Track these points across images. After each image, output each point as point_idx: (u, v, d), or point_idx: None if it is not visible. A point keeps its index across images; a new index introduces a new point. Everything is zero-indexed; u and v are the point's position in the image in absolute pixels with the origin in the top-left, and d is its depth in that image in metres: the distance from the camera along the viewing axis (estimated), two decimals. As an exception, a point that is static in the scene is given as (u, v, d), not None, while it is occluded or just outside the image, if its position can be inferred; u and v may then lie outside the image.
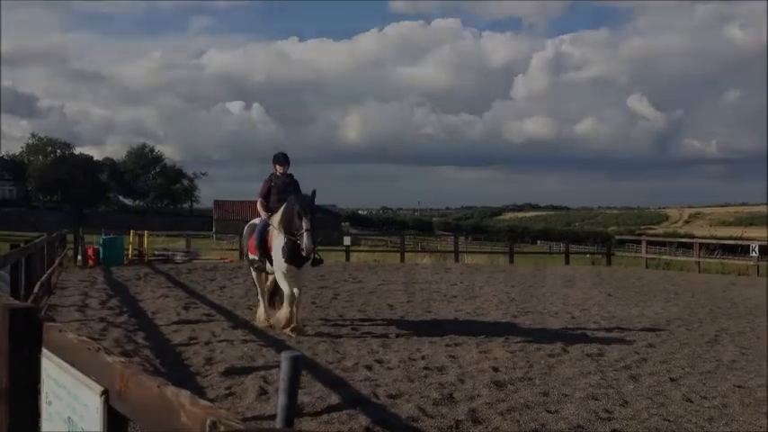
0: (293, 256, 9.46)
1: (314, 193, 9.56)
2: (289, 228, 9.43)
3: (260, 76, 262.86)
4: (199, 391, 6.16)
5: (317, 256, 10.07)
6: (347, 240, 28.33)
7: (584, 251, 39.07)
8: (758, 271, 24.05)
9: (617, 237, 47.06)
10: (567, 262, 29.02)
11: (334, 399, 6.16)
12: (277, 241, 9.68)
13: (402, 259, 26.46)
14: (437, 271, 21.73)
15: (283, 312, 9.71)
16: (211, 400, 1.70)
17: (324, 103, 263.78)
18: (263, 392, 6.32)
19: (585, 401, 6.39)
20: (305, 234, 9.13)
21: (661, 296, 16.06)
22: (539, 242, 69.41)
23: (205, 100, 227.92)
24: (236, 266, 21.40)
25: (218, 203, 79.37)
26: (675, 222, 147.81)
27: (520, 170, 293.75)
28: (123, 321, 10.38)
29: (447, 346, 8.96)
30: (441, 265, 24.88)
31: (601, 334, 10.48)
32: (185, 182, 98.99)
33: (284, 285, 9.65)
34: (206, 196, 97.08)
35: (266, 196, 10.30)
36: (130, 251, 23.34)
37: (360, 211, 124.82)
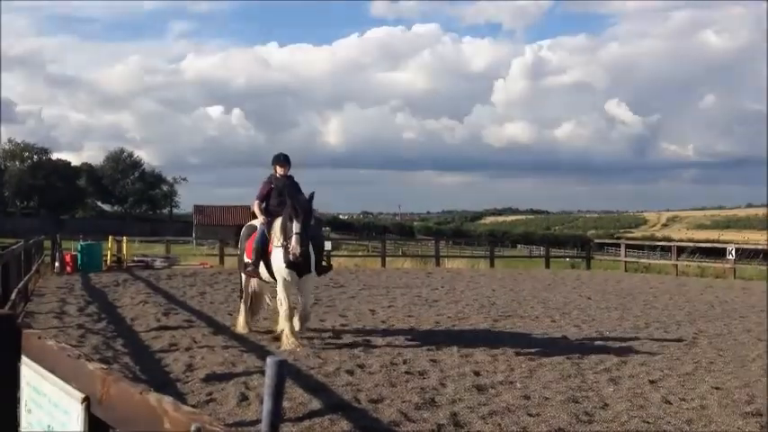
0: (294, 262, 9.02)
1: (311, 195, 9.16)
2: (285, 236, 9.00)
3: (240, 80, 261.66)
4: (179, 398, 6.11)
5: (324, 263, 9.67)
6: (328, 245, 28.23)
7: (563, 255, 39.35)
8: (735, 273, 24.35)
9: (596, 240, 47.40)
10: (548, 266, 29.19)
11: (315, 404, 6.15)
12: (277, 248, 9.31)
13: (383, 264, 26.47)
14: (418, 275, 21.76)
15: (282, 328, 9.08)
16: (193, 407, 1.69)
17: (304, 108, 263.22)
18: (244, 398, 6.29)
19: (566, 404, 6.43)
20: (294, 237, 8.67)
21: (640, 299, 16.21)
22: (519, 246, 69.67)
23: (184, 105, 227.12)
24: (216, 272, 21.28)
25: (198, 209, 78.80)
26: (654, 226, 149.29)
27: (500, 175, 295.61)
28: (102, 328, 10.28)
29: (428, 350, 8.97)
30: (422, 270, 24.93)
31: (581, 337, 10.56)
32: (165, 187, 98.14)
33: (282, 296, 9.09)
34: (186, 202, 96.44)
35: (265, 199, 9.83)
36: (109, 257, 23.13)
37: (340, 216, 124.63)
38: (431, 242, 40.37)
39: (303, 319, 9.40)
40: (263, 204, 9.82)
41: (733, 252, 25.44)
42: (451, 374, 7.55)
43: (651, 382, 7.51)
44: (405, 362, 8.13)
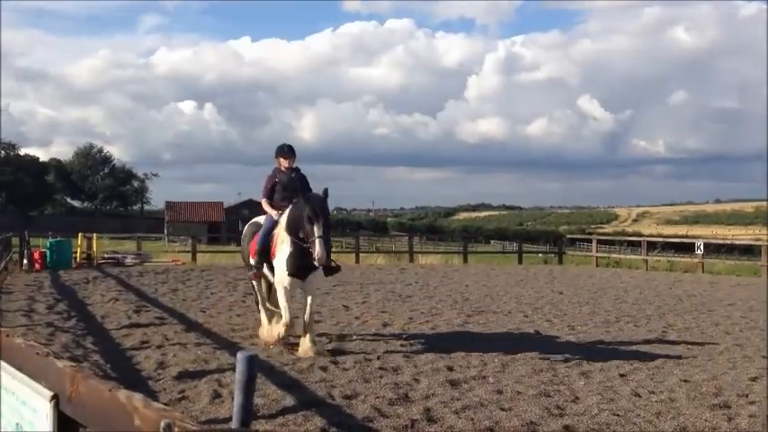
0: (299, 267, 8.33)
1: (326, 192, 8.41)
2: (296, 233, 8.26)
3: (212, 75, 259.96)
4: (151, 396, 6.05)
5: (332, 263, 8.88)
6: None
7: (536, 250, 39.63)
8: (703, 268, 24.76)
9: (568, 236, 47.89)
10: (520, 261, 29.41)
11: (289, 400, 6.13)
12: (283, 248, 8.48)
13: (357, 260, 26.45)
14: (392, 271, 21.79)
15: (275, 332, 8.72)
16: (165, 404, 1.68)
17: (277, 104, 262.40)
18: (217, 396, 6.26)
19: (538, 398, 6.49)
20: (317, 241, 7.91)
21: (611, 294, 16.41)
22: (492, 242, 70.16)
23: (156, 100, 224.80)
24: (189, 269, 21.11)
25: (169, 205, 78.09)
26: (624, 221, 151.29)
27: (474, 170, 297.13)
28: (71, 326, 10.14)
29: (402, 345, 9.00)
30: (395, 266, 24.96)
31: (553, 332, 10.67)
32: (135, 183, 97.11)
33: (282, 304, 8.49)
34: (157, 198, 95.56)
35: (271, 195, 9.12)
36: (78, 254, 22.81)
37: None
38: (404, 238, 40.42)
39: (307, 329, 8.52)
40: (270, 201, 9.17)
41: (701, 247, 25.85)
42: (425, 370, 7.58)
43: (621, 375, 7.61)
44: (378, 358, 8.14)
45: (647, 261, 27.04)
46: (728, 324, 11.87)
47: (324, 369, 7.49)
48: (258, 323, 9.69)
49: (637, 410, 6.23)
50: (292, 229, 8.31)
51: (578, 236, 57.81)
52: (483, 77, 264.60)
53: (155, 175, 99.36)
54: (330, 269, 8.91)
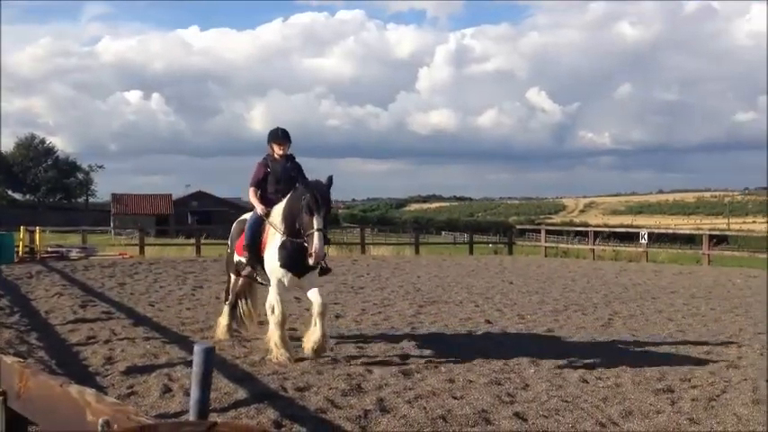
0: (293, 261, 7.44)
1: (330, 180, 7.44)
2: (292, 226, 7.38)
3: (159, 65, 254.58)
4: (100, 392, 5.94)
5: (323, 264, 7.72)
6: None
7: (486, 241, 40.09)
8: (647, 257, 25.44)
9: (518, 226, 48.65)
10: (471, 252, 29.74)
11: (241, 393, 6.09)
12: (274, 240, 7.63)
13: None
14: (343, 263, 21.78)
15: (271, 337, 7.56)
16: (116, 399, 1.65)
17: (227, 94, 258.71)
18: (167, 390, 6.17)
19: (489, 386, 6.59)
20: (315, 235, 7.00)
21: (559, 283, 16.73)
22: (443, 233, 70.69)
23: (100, 89, 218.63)
24: (136, 262, 20.73)
25: (115, 197, 76.33)
26: (572, 212, 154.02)
27: (425, 162, 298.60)
28: (14, 322, 9.86)
29: (355, 336, 9.02)
30: (347, 257, 24.96)
31: (503, 321, 10.83)
32: (80, 175, 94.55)
33: (275, 299, 7.51)
34: (103, 190, 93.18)
35: (260, 185, 8.13)
36: (21, 249, 22.16)
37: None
38: (356, 229, 40.44)
39: (320, 345, 7.52)
40: (259, 192, 8.17)
41: (645, 237, 26.56)
42: (378, 360, 7.61)
43: (569, 362, 7.78)
44: (331, 349, 8.14)
45: (593, 251, 27.68)
46: (671, 311, 12.24)
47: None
48: (210, 318, 9.32)
49: (584, 396, 6.38)
50: (288, 222, 7.42)
51: (527, 226, 58.76)
52: (434, 69, 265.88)
53: (100, 167, 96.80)
54: (323, 270, 7.94)
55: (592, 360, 7.92)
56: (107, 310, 11.08)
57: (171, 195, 77.66)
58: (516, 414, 5.75)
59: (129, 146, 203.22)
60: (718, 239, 31.64)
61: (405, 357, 7.80)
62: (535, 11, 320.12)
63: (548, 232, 35.00)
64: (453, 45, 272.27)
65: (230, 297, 8.80)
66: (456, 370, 7.26)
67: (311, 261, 7.15)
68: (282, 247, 7.46)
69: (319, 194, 7.17)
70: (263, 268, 7.80)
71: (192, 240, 28.08)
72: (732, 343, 9.24)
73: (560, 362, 7.77)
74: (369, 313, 11.27)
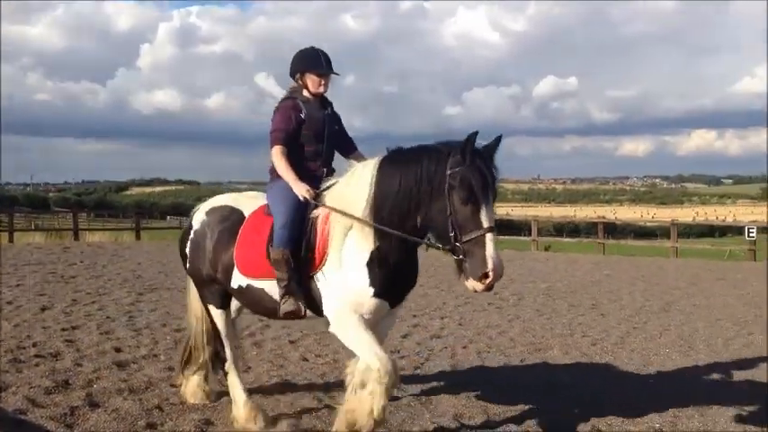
0: (395, 284, 4.48)
1: (498, 140, 4.25)
2: (403, 220, 4.29)
3: None
4: None
5: None
6: None
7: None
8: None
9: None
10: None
11: None
12: (352, 245, 4.45)
13: (11, 239, 23.70)
14: (53, 251, 19.92)
15: (366, 407, 4.36)
16: None
17: None
18: None
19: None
20: (488, 239, 4.01)
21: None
22: (168, 218, 67.92)
23: None
24: None
25: None
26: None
27: (148, 143, 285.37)
28: None
29: (63, 330, 8.28)
30: (58, 245, 22.87)
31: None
32: None
33: (366, 345, 4.45)
34: None
35: (289, 142, 4.89)
36: None
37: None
38: (69, 215, 37.16)
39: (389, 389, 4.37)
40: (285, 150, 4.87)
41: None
42: (89, 353, 7.09)
43: (291, 342, 7.98)
44: (35, 345, 7.40)
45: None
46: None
47: (-35, 362, 6.59)
48: (181, 373, 5.80)
49: (304, 374, 6.62)
50: (391, 208, 4.31)
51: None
52: (157, 47, 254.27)
53: None
54: None
55: (312, 339, 8.17)
56: None
57: None
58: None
59: None
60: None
61: (119, 349, 7.37)
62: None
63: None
64: (178, 22, 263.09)
65: (207, 347, 5.67)
66: (176, 358, 6.99)
67: (481, 285, 4.00)
68: (380, 259, 4.40)
69: (487, 169, 4.17)
70: (318, 296, 4.64)
71: None
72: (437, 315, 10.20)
73: (282, 342, 7.94)
74: (81, 303, 10.44)
